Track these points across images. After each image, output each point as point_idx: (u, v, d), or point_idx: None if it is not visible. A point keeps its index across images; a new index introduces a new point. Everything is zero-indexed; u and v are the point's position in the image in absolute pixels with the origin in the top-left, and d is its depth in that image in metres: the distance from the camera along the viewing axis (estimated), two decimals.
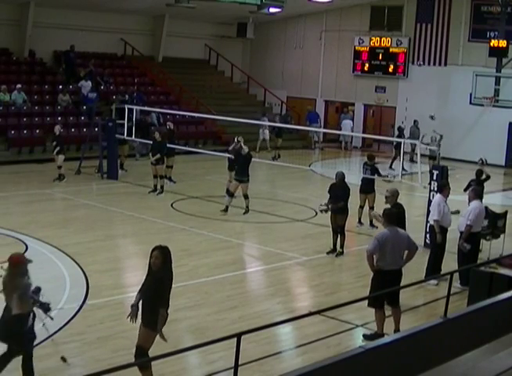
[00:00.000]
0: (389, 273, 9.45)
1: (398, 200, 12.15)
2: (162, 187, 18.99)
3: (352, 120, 31.01)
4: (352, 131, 29.71)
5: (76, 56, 28.25)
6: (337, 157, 29.21)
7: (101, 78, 28.06)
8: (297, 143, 30.10)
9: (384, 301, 9.58)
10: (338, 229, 13.82)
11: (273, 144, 27.55)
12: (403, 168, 23.34)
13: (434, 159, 21.55)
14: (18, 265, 7.72)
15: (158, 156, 18.85)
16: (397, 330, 9.50)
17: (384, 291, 9.27)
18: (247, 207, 16.87)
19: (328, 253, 13.90)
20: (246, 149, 16.99)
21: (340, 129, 29.86)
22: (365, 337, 9.60)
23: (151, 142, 19.93)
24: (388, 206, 11.38)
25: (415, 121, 27.17)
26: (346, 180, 14.16)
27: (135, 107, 22.27)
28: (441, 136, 23.22)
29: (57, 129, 20.09)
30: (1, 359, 7.75)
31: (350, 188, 14.15)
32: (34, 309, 7.69)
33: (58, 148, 19.80)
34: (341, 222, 13.75)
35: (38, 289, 7.75)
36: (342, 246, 13.79)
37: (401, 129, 26.29)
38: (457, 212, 12.84)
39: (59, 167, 19.86)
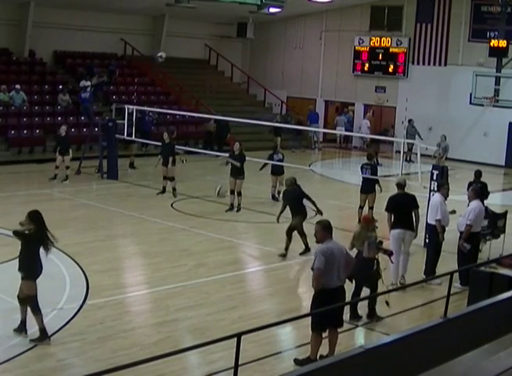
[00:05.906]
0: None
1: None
2: (174, 189, 18.61)
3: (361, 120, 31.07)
4: (370, 132, 29.65)
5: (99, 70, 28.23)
6: (337, 157, 29.20)
7: (110, 75, 27.99)
8: (297, 143, 30.06)
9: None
10: None
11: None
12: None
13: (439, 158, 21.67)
14: (369, 221, 10.59)
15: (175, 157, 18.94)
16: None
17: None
18: (239, 205, 17.22)
19: None
20: (237, 150, 17.33)
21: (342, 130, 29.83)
22: (296, 362, 8.64)
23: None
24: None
25: (410, 121, 27.11)
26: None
27: (134, 107, 22.24)
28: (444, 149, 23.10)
29: (63, 130, 20.18)
30: (356, 293, 10.15)
31: (303, 191, 14.07)
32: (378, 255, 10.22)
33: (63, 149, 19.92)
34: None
35: (381, 242, 10.32)
36: None
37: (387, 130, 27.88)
38: (453, 212, 12.83)
39: (68, 167, 19.92)
